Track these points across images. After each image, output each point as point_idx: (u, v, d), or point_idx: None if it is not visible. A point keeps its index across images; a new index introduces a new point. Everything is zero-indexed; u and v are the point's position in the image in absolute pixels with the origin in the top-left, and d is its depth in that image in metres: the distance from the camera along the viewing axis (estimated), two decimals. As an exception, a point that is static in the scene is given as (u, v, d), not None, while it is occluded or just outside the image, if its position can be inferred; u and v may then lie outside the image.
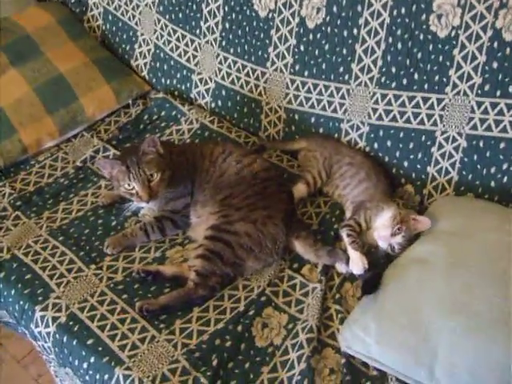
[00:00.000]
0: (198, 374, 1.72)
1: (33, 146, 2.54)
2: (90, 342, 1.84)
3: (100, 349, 1.82)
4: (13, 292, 2.03)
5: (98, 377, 1.79)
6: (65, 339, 1.88)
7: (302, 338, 1.80)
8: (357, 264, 1.94)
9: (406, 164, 2.24)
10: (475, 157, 2.10)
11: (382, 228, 1.99)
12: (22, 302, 2.00)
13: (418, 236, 1.99)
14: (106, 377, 1.77)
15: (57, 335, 1.90)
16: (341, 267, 1.99)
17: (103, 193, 2.33)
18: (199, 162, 2.19)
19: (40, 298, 1.97)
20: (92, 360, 1.81)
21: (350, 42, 2.25)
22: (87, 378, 1.83)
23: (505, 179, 2.07)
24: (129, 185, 2.05)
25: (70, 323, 1.89)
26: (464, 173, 2.14)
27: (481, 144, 2.08)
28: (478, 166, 2.11)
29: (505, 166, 2.07)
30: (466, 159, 2.12)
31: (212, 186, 2.15)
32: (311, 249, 2.03)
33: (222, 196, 2.10)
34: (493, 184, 2.10)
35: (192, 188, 2.17)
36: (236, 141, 2.50)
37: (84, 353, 1.83)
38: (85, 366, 1.83)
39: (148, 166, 2.04)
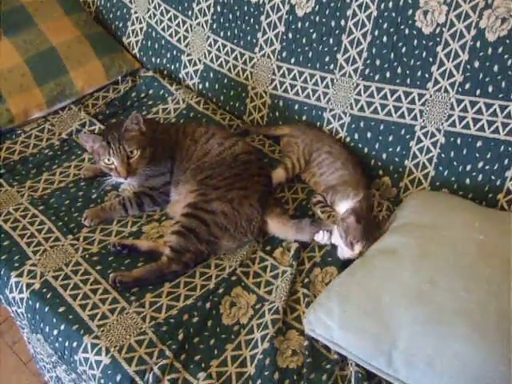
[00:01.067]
0: (163, 347, 1.76)
1: (20, 116, 2.56)
2: (61, 309, 1.87)
3: (71, 317, 1.85)
4: (-10, 257, 2.07)
5: (66, 344, 1.83)
6: (37, 306, 1.91)
7: (267, 318, 1.83)
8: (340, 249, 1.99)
9: (384, 156, 2.26)
10: (452, 153, 2.13)
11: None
12: (-2, 268, 2.04)
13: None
14: (75, 344, 1.81)
15: (30, 301, 1.93)
16: (323, 237, 2.00)
17: (85, 166, 2.35)
18: (181, 141, 2.22)
19: (16, 265, 2.00)
20: (62, 327, 1.85)
21: (336, 32, 2.27)
22: (57, 344, 1.87)
23: (479, 177, 2.10)
24: (108, 160, 2.07)
25: (44, 290, 1.93)
26: (440, 168, 2.16)
27: (458, 141, 2.11)
28: (455, 163, 2.13)
29: (480, 165, 2.09)
30: (443, 155, 2.15)
31: (194, 167, 2.17)
32: (289, 223, 2.06)
33: (203, 176, 2.13)
34: (468, 181, 2.12)
35: (172, 166, 2.20)
36: (220, 123, 2.52)
37: (55, 320, 1.87)
38: (55, 332, 1.86)
39: (128, 143, 2.06)
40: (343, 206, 2.05)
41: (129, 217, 2.16)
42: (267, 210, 2.09)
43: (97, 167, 2.24)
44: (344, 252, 1.97)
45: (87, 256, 2.03)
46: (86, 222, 2.13)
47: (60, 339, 1.85)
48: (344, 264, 1.95)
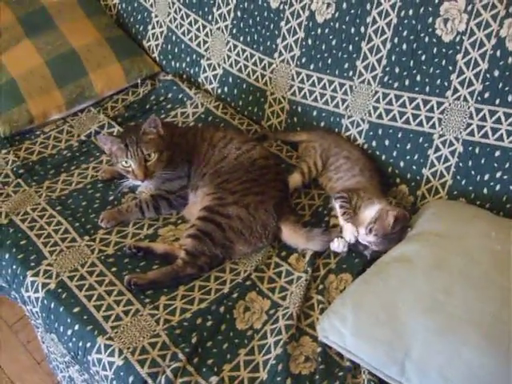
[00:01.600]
0: (176, 350, 1.76)
1: (40, 117, 2.59)
2: (76, 310, 1.89)
3: (85, 317, 1.87)
4: (7, 256, 2.08)
5: (80, 344, 1.84)
6: (52, 305, 1.93)
7: (281, 323, 1.83)
8: (349, 231, 1.99)
9: (402, 164, 2.25)
10: (470, 163, 2.12)
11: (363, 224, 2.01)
12: (14, 267, 2.05)
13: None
14: (89, 345, 1.82)
15: (45, 301, 1.95)
16: (338, 245, 2.00)
17: (103, 168, 2.37)
18: (198, 145, 2.23)
19: (32, 264, 2.02)
20: (76, 327, 1.86)
21: (356, 39, 2.27)
22: (70, 344, 1.88)
23: (497, 187, 2.08)
24: (126, 162, 2.09)
25: (59, 290, 1.94)
26: (458, 177, 2.15)
27: (477, 150, 2.10)
28: (473, 172, 2.12)
29: (498, 174, 2.07)
30: (461, 164, 2.14)
31: (212, 171, 2.18)
32: (301, 231, 2.06)
33: (220, 180, 2.14)
34: (485, 191, 2.10)
35: (189, 170, 2.20)
36: (238, 128, 2.52)
37: (69, 320, 1.88)
38: (69, 332, 1.87)
39: (146, 146, 2.07)
40: (371, 210, 2.04)
41: (145, 219, 2.17)
42: (282, 216, 2.08)
43: (114, 169, 2.25)
44: (349, 233, 1.99)
45: (103, 257, 2.04)
46: (102, 224, 2.14)
47: (74, 339, 1.86)
48: (359, 272, 1.95)
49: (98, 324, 1.84)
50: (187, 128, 2.47)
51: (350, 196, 2.10)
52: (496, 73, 2.02)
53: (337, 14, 2.30)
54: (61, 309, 1.91)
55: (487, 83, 2.05)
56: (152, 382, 1.71)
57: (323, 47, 2.36)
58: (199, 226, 2.03)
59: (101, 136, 2.22)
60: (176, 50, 2.81)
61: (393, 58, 2.20)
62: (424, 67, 2.15)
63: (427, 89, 2.16)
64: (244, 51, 2.57)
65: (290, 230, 2.08)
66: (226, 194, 2.08)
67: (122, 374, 1.74)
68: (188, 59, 2.77)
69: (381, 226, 1.96)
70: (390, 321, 1.71)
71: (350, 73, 2.31)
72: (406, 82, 2.19)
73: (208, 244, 2.00)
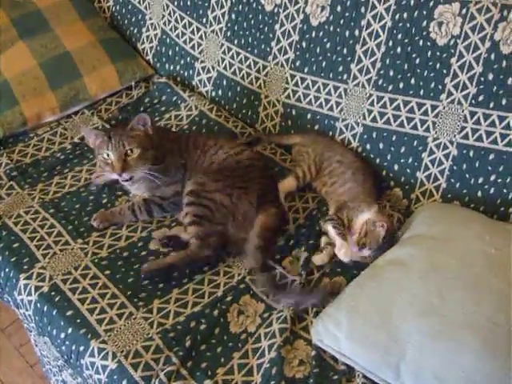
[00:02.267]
0: (170, 354, 1.76)
1: (33, 120, 2.58)
2: (69, 313, 1.88)
3: (78, 321, 1.86)
4: (0, 259, 2.07)
5: (73, 348, 1.83)
6: (45, 308, 1.92)
7: (275, 327, 1.82)
8: (344, 251, 2.00)
9: (396, 167, 2.25)
10: (464, 166, 2.12)
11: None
12: (7, 270, 2.04)
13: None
14: (82, 348, 1.81)
15: (38, 304, 1.94)
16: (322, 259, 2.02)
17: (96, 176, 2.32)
18: (191, 151, 2.23)
19: (25, 267, 2.01)
20: (69, 331, 1.85)
21: (350, 42, 2.26)
22: (63, 348, 1.87)
23: (491, 190, 2.08)
24: (107, 154, 2.07)
25: (52, 293, 1.93)
26: (452, 180, 2.15)
27: (471, 154, 2.09)
28: (467, 175, 2.12)
29: (492, 178, 2.07)
30: (455, 167, 2.14)
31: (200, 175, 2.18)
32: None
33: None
34: (479, 194, 2.10)
35: (184, 176, 2.20)
36: (232, 132, 2.52)
37: (62, 323, 1.87)
38: (62, 336, 1.87)
39: (129, 140, 2.07)
40: (362, 218, 2.04)
41: (139, 222, 2.16)
42: (262, 207, 2.09)
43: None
44: (342, 250, 1.99)
45: (96, 260, 2.03)
46: (94, 223, 2.14)
47: (67, 343, 1.86)
48: (353, 275, 1.94)
49: (92, 327, 1.83)
50: (181, 134, 2.46)
51: (339, 216, 2.10)
52: (490, 76, 2.02)
53: (331, 17, 2.30)
54: (54, 312, 1.90)
55: (481, 86, 2.04)
56: (145, 385, 1.70)
57: (318, 50, 2.35)
58: (191, 211, 2.07)
59: (85, 128, 2.24)
60: (170, 53, 2.80)
61: (387, 62, 2.20)
62: (418, 70, 2.15)
63: (421, 92, 2.15)
64: (238, 54, 2.57)
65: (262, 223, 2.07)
66: (209, 181, 2.11)
67: (115, 377, 1.73)
68: (182, 62, 2.77)
69: (373, 238, 1.98)
70: (385, 324, 1.71)
71: (345, 76, 2.31)
72: (401, 85, 2.19)
73: (207, 225, 2.04)
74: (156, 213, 2.18)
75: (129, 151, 2.07)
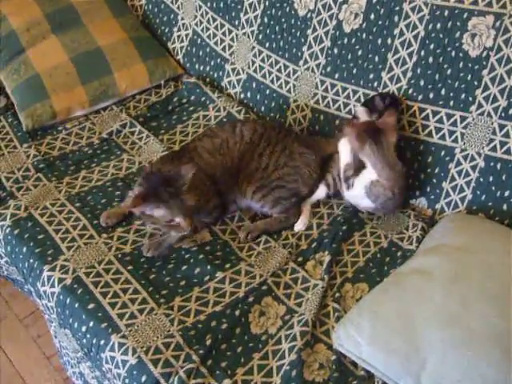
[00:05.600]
0: (190, 351, 1.76)
1: (62, 113, 2.61)
2: (90, 306, 1.89)
3: (99, 314, 1.87)
4: (24, 249, 2.10)
5: (94, 341, 1.84)
6: (68, 301, 1.94)
7: (296, 330, 1.83)
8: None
9: (422, 176, 2.25)
10: (491, 178, 2.11)
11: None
12: (31, 260, 2.06)
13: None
14: (102, 342, 1.82)
15: (61, 296, 1.95)
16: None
17: (108, 213, 2.19)
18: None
19: (49, 259, 2.03)
20: (91, 324, 1.87)
21: (382, 50, 2.26)
22: (84, 341, 1.88)
23: (517, 204, 2.08)
24: (172, 220, 2.00)
25: (75, 286, 1.95)
26: (478, 192, 2.14)
27: (498, 166, 2.09)
28: (493, 188, 2.11)
29: (519, 191, 2.08)
30: (481, 179, 2.13)
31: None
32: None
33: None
34: (505, 207, 2.09)
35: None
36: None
37: (84, 316, 1.89)
38: (83, 329, 1.88)
39: (188, 197, 2.00)
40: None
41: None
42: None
43: (120, 212, 2.19)
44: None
45: (120, 255, 2.05)
46: (148, 254, 2.06)
47: (88, 336, 1.87)
48: (376, 282, 1.95)
49: (113, 322, 1.85)
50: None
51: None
52: (522, 90, 2.02)
53: (364, 25, 2.30)
54: (76, 304, 1.91)
55: (512, 100, 2.05)
56: (165, 382, 1.71)
57: (349, 57, 2.35)
58: (266, 201, 2.21)
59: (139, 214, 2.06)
60: (200, 53, 2.82)
61: (418, 71, 2.20)
62: (449, 81, 2.14)
63: (451, 103, 2.15)
64: (269, 57, 2.57)
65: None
66: (261, 172, 2.22)
67: (135, 372, 1.74)
68: (212, 63, 2.78)
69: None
70: (407, 332, 1.70)
71: (375, 83, 2.30)
72: (431, 95, 2.19)
73: (284, 202, 2.20)
74: (200, 229, 2.16)
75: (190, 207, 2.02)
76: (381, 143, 2.08)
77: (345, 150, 2.18)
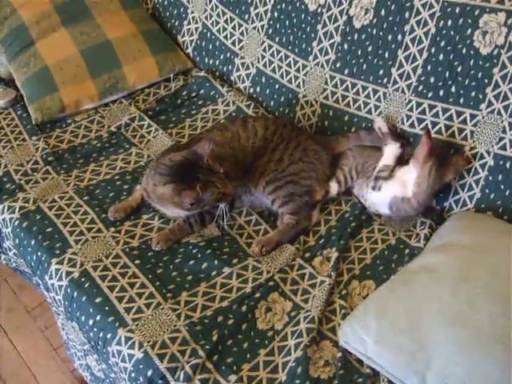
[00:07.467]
0: (196, 346, 1.76)
1: (71, 106, 2.61)
2: (98, 300, 1.90)
3: (107, 308, 1.87)
4: (33, 242, 2.10)
5: (101, 335, 1.85)
6: (75, 294, 1.94)
7: (302, 326, 1.82)
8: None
9: (431, 174, 2.24)
10: (500, 177, 2.10)
11: None
12: (39, 253, 2.07)
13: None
14: (109, 336, 1.82)
15: (68, 289, 1.96)
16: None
17: (115, 207, 2.19)
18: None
19: (57, 252, 2.04)
20: (98, 318, 1.87)
21: (393, 46, 2.26)
22: (91, 334, 1.89)
23: (526, 203, 2.07)
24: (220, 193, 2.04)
25: (82, 279, 1.95)
26: (487, 191, 2.13)
27: (507, 165, 2.08)
28: (502, 186, 2.10)
29: (528, 190, 2.06)
30: (490, 178, 2.12)
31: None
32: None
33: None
34: (513, 206, 2.09)
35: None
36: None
37: (91, 310, 1.89)
38: (90, 322, 1.89)
39: (214, 164, 2.04)
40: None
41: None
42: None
43: (128, 206, 2.19)
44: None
45: (127, 249, 2.05)
46: (157, 247, 2.06)
47: (95, 329, 1.87)
48: (383, 280, 1.95)
49: (120, 316, 1.85)
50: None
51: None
52: (533, 88, 2.01)
53: (375, 21, 2.29)
54: (83, 298, 1.92)
55: (523, 98, 2.03)
56: (171, 376, 1.71)
57: (359, 53, 2.35)
58: (278, 196, 2.17)
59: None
60: (210, 47, 2.81)
61: (428, 68, 2.19)
62: (460, 78, 2.13)
63: (461, 100, 2.14)
64: (279, 52, 2.57)
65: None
66: (278, 165, 2.21)
67: (141, 366, 1.74)
68: (222, 57, 2.78)
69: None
70: (413, 330, 1.70)
71: (385, 80, 2.30)
72: (441, 93, 2.18)
73: (297, 200, 2.16)
74: (207, 222, 2.16)
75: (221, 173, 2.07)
76: (440, 171, 2.08)
77: (391, 153, 2.17)
